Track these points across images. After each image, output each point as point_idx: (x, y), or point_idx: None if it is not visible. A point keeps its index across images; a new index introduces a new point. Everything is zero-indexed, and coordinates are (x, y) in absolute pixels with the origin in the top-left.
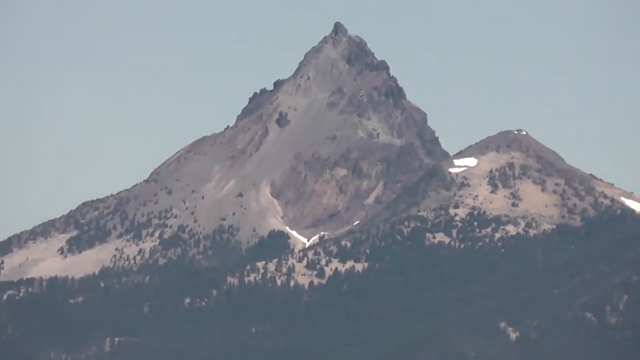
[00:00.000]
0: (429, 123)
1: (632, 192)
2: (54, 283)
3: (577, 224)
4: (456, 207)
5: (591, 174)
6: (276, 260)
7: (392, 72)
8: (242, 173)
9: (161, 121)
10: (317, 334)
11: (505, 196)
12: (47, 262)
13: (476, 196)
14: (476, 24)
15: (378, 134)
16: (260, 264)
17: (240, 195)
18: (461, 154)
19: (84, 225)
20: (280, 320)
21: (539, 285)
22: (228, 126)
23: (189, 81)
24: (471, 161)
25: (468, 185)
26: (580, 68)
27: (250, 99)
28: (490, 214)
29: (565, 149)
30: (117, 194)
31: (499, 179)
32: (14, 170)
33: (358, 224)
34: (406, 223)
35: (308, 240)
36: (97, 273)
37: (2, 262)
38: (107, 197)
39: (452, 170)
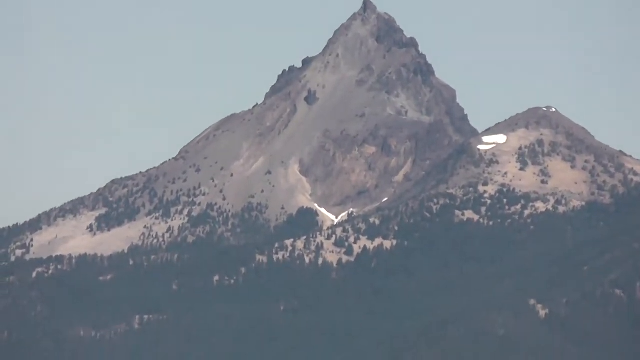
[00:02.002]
0: (457, 100)
1: None
2: (83, 261)
3: (607, 201)
4: (485, 184)
5: (621, 151)
6: (305, 237)
7: (421, 49)
8: (271, 151)
9: (190, 99)
10: (345, 312)
11: (534, 173)
12: (77, 239)
13: (505, 173)
14: (505, 1)
15: (407, 112)
16: (288, 242)
17: (269, 172)
18: (490, 131)
19: (113, 203)
20: (309, 297)
21: (569, 263)
22: (257, 104)
23: (218, 59)
24: (500, 138)
25: (497, 162)
26: (609, 44)
27: (279, 77)
28: (520, 191)
29: (594, 126)
30: (146, 171)
31: (528, 156)
32: (44, 149)
33: (387, 201)
34: (435, 200)
35: (336, 218)
36: (126, 251)
37: (32, 240)
38: (136, 174)
39: (481, 147)
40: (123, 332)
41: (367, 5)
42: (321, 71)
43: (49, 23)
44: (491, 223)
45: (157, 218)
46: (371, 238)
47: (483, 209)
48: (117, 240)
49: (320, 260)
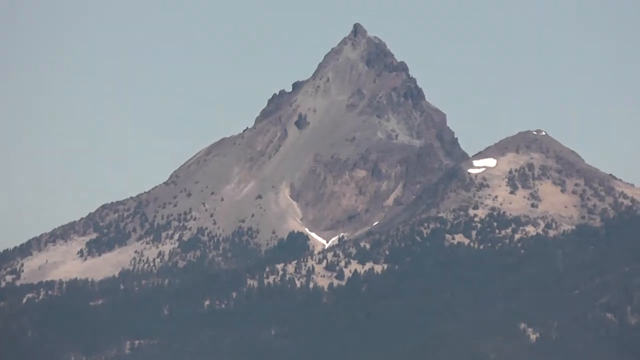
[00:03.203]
0: (448, 124)
1: None
2: (73, 286)
3: (597, 225)
4: (475, 207)
5: (611, 174)
6: (295, 262)
7: (411, 73)
8: (261, 175)
9: (180, 123)
10: (336, 336)
11: (524, 197)
12: (67, 264)
13: (496, 197)
14: (495, 25)
15: (397, 135)
16: (279, 266)
17: (260, 197)
18: (480, 155)
19: (104, 228)
20: (300, 322)
21: (559, 286)
22: (247, 128)
23: (208, 83)
24: (490, 162)
25: (487, 186)
26: (598, 68)
27: (269, 101)
28: (510, 214)
29: (584, 149)
30: (137, 196)
31: (518, 179)
32: (34, 174)
33: (377, 225)
34: (425, 224)
35: (327, 242)
36: (116, 276)
37: (22, 265)
38: (127, 199)
39: (471, 171)
40: (114, 357)
41: (357, 30)
42: (312, 95)
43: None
44: (482, 247)
45: (147, 243)
46: (362, 262)
47: (473, 233)
48: (108, 265)
49: (311, 285)
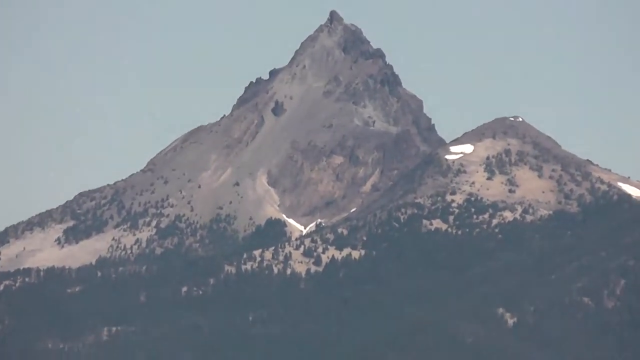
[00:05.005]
0: (424, 110)
1: (628, 177)
2: (51, 273)
3: (574, 210)
4: (453, 193)
5: (588, 160)
6: (273, 248)
7: (387, 60)
8: (239, 162)
9: (157, 111)
10: (314, 321)
11: (501, 182)
12: (44, 252)
13: (473, 183)
14: (471, 12)
15: (374, 122)
16: (257, 252)
17: (237, 184)
18: (457, 141)
19: (81, 216)
20: (278, 307)
21: (536, 271)
22: (224, 115)
23: (184, 71)
24: (467, 148)
25: (464, 171)
26: (574, 54)
27: (246, 88)
28: (487, 200)
29: (561, 135)
30: (114, 184)
31: (495, 165)
32: (11, 161)
33: (355, 211)
34: (403, 210)
35: (305, 228)
36: (94, 263)
37: None
38: (104, 187)
39: (448, 157)
40: (91, 344)
41: (333, 17)
42: (288, 82)
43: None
44: (459, 232)
45: (125, 230)
46: (339, 248)
47: (451, 218)
48: (85, 252)
49: (289, 271)
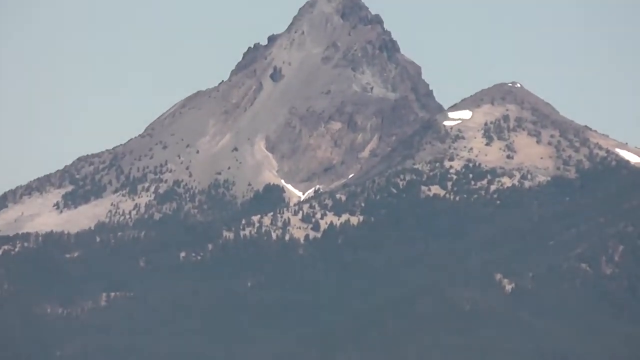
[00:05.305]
0: (423, 76)
1: (626, 143)
2: (49, 238)
3: (572, 176)
4: (451, 159)
5: (586, 126)
6: (271, 214)
7: (386, 26)
8: (237, 127)
9: (156, 76)
10: (312, 287)
11: (500, 148)
12: (43, 217)
13: (471, 149)
14: None
15: (372, 88)
16: (255, 218)
17: (235, 149)
18: (456, 107)
19: (80, 180)
20: (276, 273)
21: (534, 237)
22: (222, 81)
23: (183, 36)
24: (466, 114)
25: (463, 137)
26: (573, 19)
27: (244, 54)
28: (485, 166)
29: (559, 101)
30: (113, 149)
31: (493, 131)
32: (10, 125)
33: (353, 177)
34: (401, 176)
35: (303, 194)
36: (92, 228)
37: None
38: (103, 152)
39: (446, 123)
40: (90, 309)
41: None
42: (286, 48)
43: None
44: (457, 198)
45: (123, 195)
46: (338, 214)
47: (449, 184)
48: (84, 217)
49: (287, 236)
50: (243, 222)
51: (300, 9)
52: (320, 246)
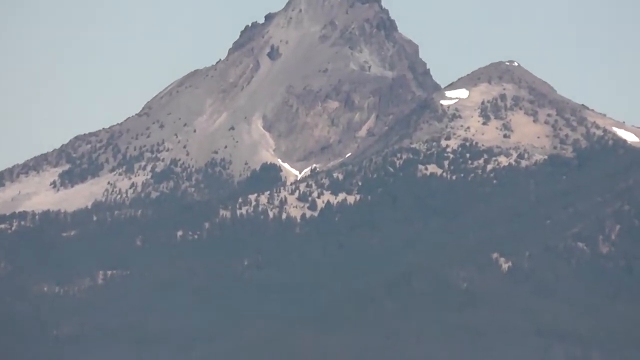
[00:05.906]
0: (420, 55)
1: (624, 122)
2: (46, 217)
3: (569, 155)
4: (448, 138)
5: (583, 105)
6: (268, 192)
7: (383, 4)
8: (234, 106)
9: (152, 55)
10: (309, 266)
11: (497, 127)
12: (40, 195)
13: (468, 128)
14: None
15: (370, 67)
16: (252, 197)
17: (232, 128)
18: (452, 86)
19: (76, 159)
20: (273, 252)
21: (531, 216)
22: (220, 60)
23: (180, 15)
24: (463, 93)
25: (460, 116)
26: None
27: (242, 33)
28: (482, 145)
29: (556, 80)
30: (109, 127)
31: (490, 110)
32: (6, 104)
33: (350, 156)
34: (398, 155)
35: (300, 173)
36: (89, 207)
37: None
38: (99, 130)
39: (443, 102)
40: (87, 288)
41: None
42: (284, 27)
43: None
44: (454, 177)
45: (120, 174)
46: (335, 193)
47: (446, 163)
48: (81, 196)
49: (284, 215)
50: (240, 201)
51: None
52: (317, 225)
